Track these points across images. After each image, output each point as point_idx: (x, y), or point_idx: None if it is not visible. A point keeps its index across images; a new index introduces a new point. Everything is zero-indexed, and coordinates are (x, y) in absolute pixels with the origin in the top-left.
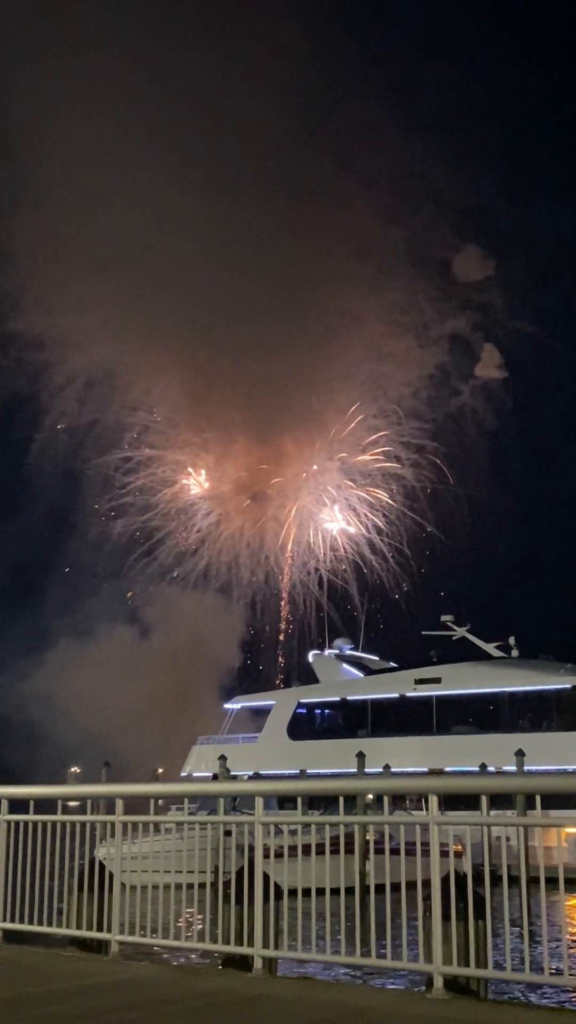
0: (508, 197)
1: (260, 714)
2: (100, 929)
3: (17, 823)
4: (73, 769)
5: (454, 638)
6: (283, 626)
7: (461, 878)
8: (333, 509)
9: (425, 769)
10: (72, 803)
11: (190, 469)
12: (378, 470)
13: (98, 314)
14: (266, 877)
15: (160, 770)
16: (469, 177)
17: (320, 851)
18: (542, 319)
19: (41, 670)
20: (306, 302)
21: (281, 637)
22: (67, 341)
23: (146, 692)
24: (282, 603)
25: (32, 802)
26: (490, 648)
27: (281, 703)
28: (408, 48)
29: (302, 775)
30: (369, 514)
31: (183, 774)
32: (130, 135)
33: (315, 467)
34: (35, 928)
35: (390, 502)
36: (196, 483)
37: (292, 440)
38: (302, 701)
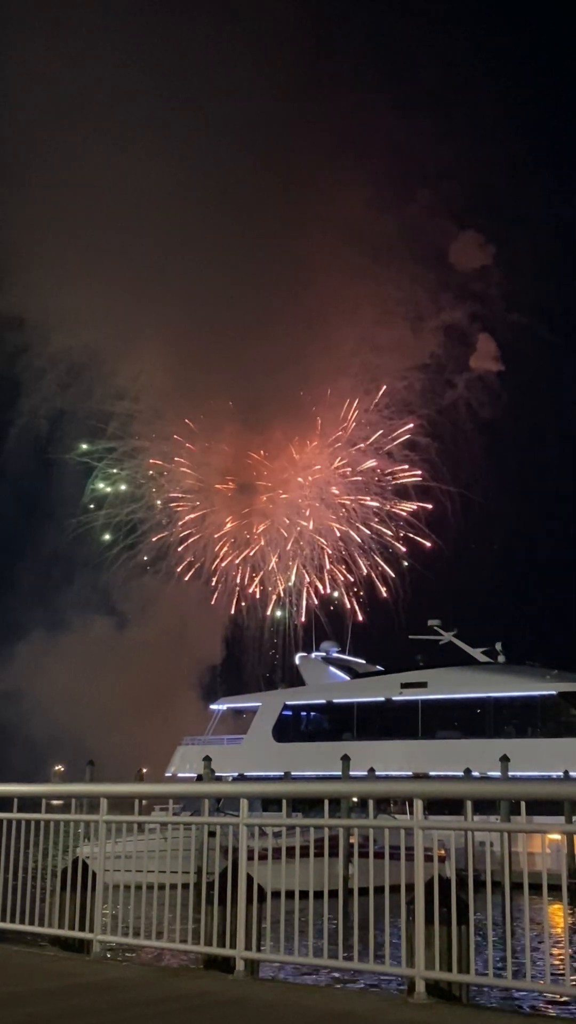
0: (509, 179)
1: (244, 715)
2: (82, 928)
3: (0, 821)
4: (57, 767)
5: (441, 643)
6: (267, 624)
7: (444, 883)
8: (322, 505)
9: (410, 773)
10: (55, 802)
11: (176, 459)
12: (368, 466)
13: (83, 297)
14: (249, 879)
15: (144, 770)
16: (469, 157)
17: (304, 854)
18: (540, 310)
19: (11, 664)
20: (299, 290)
21: (265, 636)
22: (50, 322)
23: (123, 688)
24: (268, 601)
25: (16, 800)
26: (476, 653)
27: (267, 705)
28: (406, 24)
29: (287, 777)
30: (358, 512)
31: (168, 774)
32: (120, 115)
33: (304, 460)
34: (17, 926)
35: (380, 500)
36: (182, 473)
37: (282, 431)
38: (288, 703)
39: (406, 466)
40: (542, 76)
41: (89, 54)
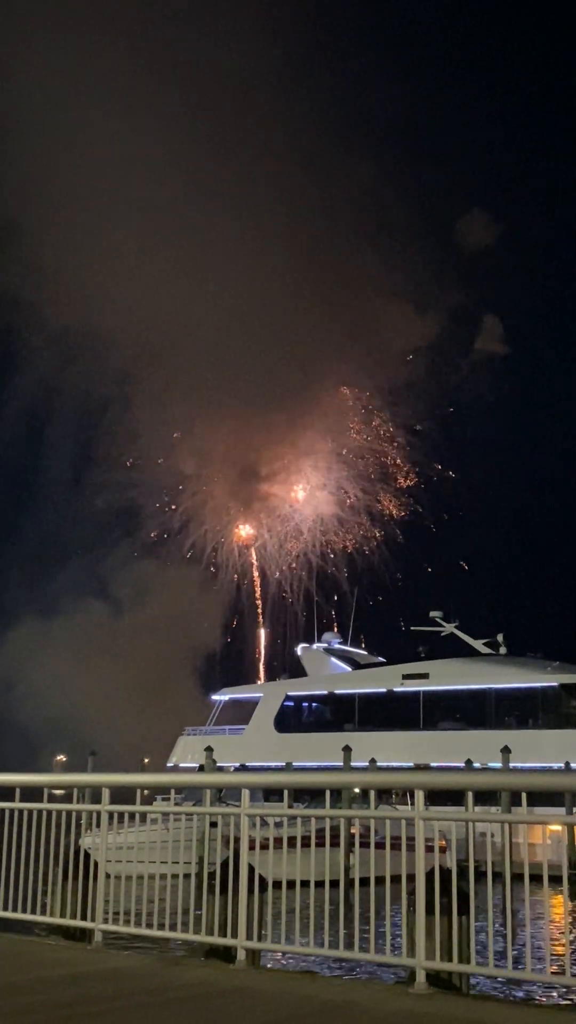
0: (517, 158)
1: (244, 705)
2: (84, 918)
3: (1, 810)
4: (59, 757)
5: (442, 634)
6: (265, 613)
7: (445, 873)
8: (324, 492)
9: (411, 764)
10: (57, 791)
11: (175, 441)
12: (371, 452)
13: (81, 276)
14: (251, 869)
15: (146, 760)
16: (475, 132)
17: (306, 844)
18: (546, 292)
19: (2, 652)
20: (301, 271)
21: (261, 624)
22: (47, 301)
23: (119, 677)
24: (268, 589)
25: (18, 790)
26: (478, 645)
27: (269, 695)
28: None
29: (288, 768)
30: (361, 500)
31: (169, 764)
32: (120, 91)
33: (306, 446)
34: (18, 916)
35: (383, 488)
36: (183, 458)
37: (285, 417)
38: (290, 694)
39: (411, 459)
40: (553, 53)
41: (86, 28)
